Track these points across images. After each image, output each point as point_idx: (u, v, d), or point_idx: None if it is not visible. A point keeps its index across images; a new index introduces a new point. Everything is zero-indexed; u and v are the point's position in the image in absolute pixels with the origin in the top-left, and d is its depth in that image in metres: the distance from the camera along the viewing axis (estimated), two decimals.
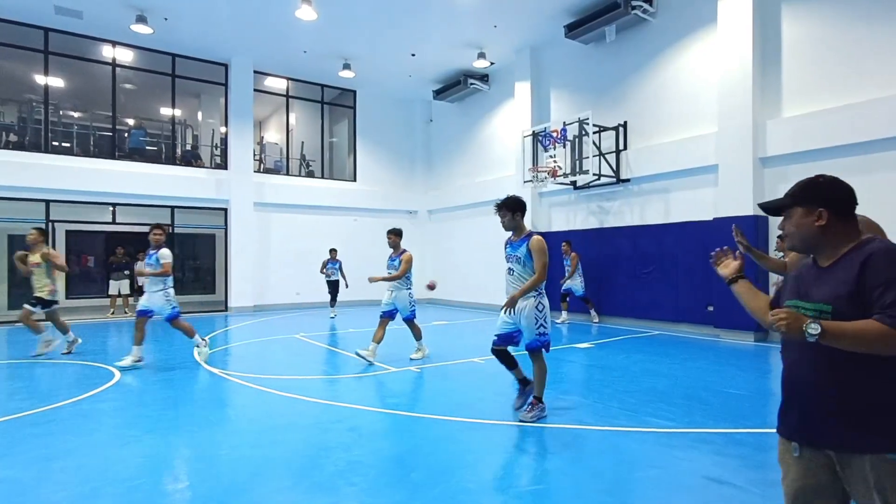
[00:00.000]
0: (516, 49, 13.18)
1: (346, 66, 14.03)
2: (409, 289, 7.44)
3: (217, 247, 15.50)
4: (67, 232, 14.96)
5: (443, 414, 4.76)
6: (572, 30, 11.12)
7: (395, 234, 7.86)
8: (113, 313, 13.30)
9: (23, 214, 11.94)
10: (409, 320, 7.35)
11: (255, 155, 14.77)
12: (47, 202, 12.06)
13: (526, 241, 4.52)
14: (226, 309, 14.11)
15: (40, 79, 12.38)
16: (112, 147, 13.23)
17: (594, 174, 10.71)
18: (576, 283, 11.13)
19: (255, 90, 14.45)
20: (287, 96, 15.55)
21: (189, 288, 15.55)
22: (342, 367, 7.06)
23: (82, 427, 4.47)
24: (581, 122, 10.77)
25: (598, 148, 11.04)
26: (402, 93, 16.58)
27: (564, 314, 11.40)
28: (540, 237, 4.57)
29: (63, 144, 13.13)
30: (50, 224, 12.23)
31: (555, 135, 10.99)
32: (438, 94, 15.62)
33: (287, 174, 15.70)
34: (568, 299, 11.37)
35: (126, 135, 14.07)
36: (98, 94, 13.39)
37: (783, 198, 1.77)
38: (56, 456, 3.78)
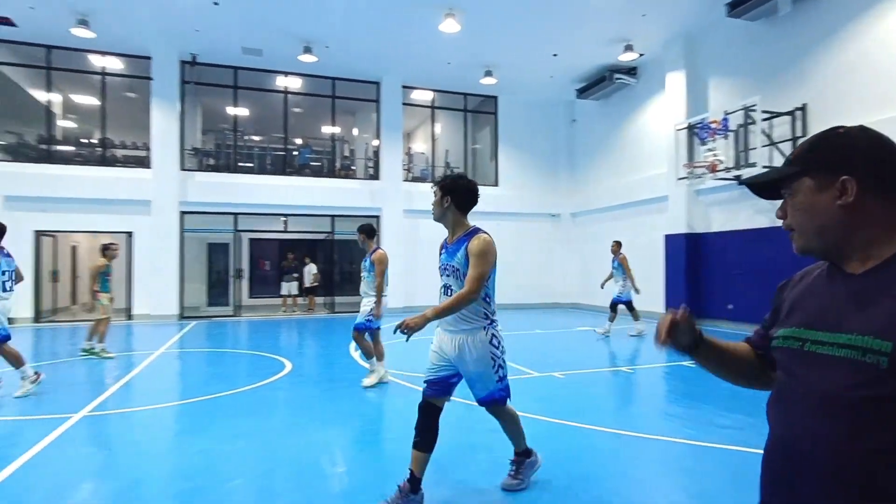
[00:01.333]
0: (668, 38, 12.23)
1: (488, 74, 14.26)
2: (375, 295, 6.12)
3: None
4: (251, 240, 17.32)
5: (588, 422, 4.54)
6: (735, 7, 9.99)
7: (363, 232, 6.36)
8: (284, 311, 15.07)
9: (218, 225, 14.09)
10: (359, 331, 6.07)
11: (403, 165, 15.70)
12: (235, 215, 14.08)
13: (465, 243, 3.04)
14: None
15: (231, 110, 14.55)
16: (283, 164, 15.03)
17: (763, 166, 9.47)
18: (627, 289, 9.71)
19: (403, 104, 15.37)
20: (432, 107, 16.27)
21: (345, 290, 16.99)
22: None
23: (260, 411, 5.09)
24: (746, 110, 9.60)
25: (769, 137, 9.74)
26: (543, 95, 16.37)
27: (608, 325, 9.86)
28: (486, 237, 3.03)
29: (247, 164, 15.25)
30: (237, 234, 14.28)
31: (714, 126, 9.94)
32: (582, 92, 15.13)
33: (433, 182, 16.41)
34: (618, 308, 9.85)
35: (295, 153, 15.89)
36: (272, 119, 15.33)
37: (783, 165, 1.13)
38: (240, 435, 4.34)
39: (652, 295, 12.98)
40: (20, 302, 12.12)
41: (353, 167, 16.71)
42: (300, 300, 15.57)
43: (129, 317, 12.96)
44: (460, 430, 4.44)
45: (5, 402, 5.34)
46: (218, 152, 15.12)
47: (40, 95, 13.33)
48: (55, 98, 13.77)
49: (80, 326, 12.09)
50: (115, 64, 13.29)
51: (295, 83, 14.86)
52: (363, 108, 16.36)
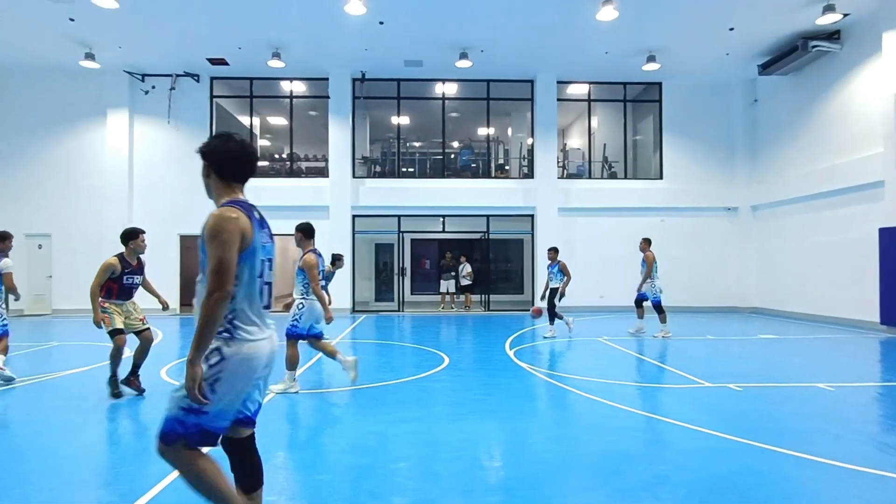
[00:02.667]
0: None
1: (651, 59, 13.30)
2: (304, 298, 5.85)
3: (525, 251, 16.75)
4: (412, 240, 18.46)
5: (768, 442, 3.96)
6: None
7: (300, 231, 6.03)
8: (443, 308, 15.77)
9: (383, 228, 15.29)
10: (289, 337, 5.81)
11: (558, 162, 15.40)
12: (399, 217, 15.13)
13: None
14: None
15: (394, 120, 15.69)
16: (442, 168, 15.74)
17: None
18: (653, 287, 9.80)
19: (558, 99, 15.07)
20: (589, 100, 15.69)
21: (500, 288, 17.23)
22: (647, 374, 6.64)
23: (423, 400, 5.39)
24: None
25: None
26: (716, 76, 14.76)
27: (639, 323, 10.21)
28: (221, 210, 2.17)
29: (409, 170, 16.29)
30: (400, 235, 15.33)
31: None
32: (766, 68, 13.29)
33: (589, 178, 15.80)
34: (644, 305, 10.12)
35: (453, 156, 16.54)
36: (432, 125, 16.15)
37: None
38: (406, 420, 4.65)
39: (863, 302, 10.94)
40: None
41: (507, 167, 16.86)
42: (457, 297, 16.17)
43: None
44: (615, 434, 4.19)
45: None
46: (384, 160, 16.40)
47: (245, 120, 15.80)
48: (255, 121, 16.19)
49: (274, 316, 14.06)
50: (299, 87, 15.20)
51: (452, 89, 15.47)
52: (517, 107, 16.43)
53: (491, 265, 16.48)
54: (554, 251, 10.03)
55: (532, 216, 15.18)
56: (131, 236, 5.63)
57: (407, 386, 6.00)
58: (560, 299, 9.82)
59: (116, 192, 14.20)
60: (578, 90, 15.67)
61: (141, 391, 5.57)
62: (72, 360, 7.69)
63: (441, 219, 15.49)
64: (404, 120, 16.14)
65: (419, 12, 11.07)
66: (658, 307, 9.83)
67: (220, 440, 2.24)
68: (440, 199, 14.82)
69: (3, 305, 6.14)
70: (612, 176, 15.99)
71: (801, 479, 3.38)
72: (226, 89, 15.14)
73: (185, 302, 14.76)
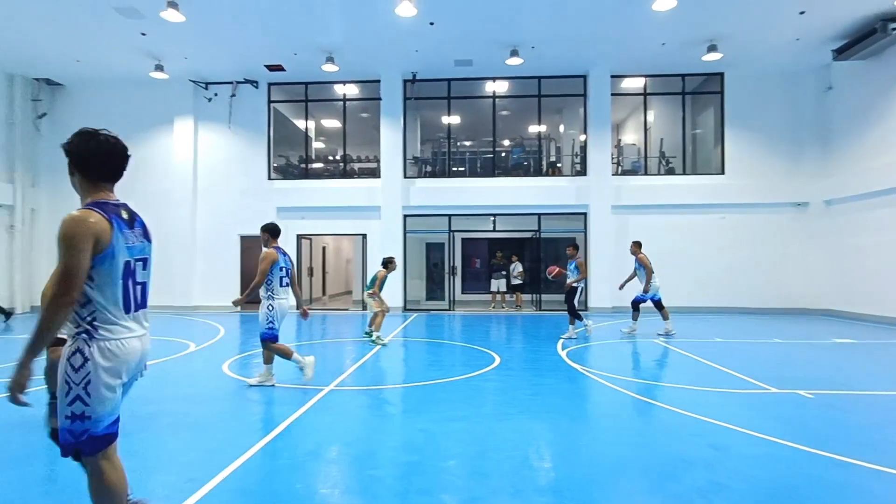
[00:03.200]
0: None
1: (712, 49, 12.70)
2: (271, 300, 5.76)
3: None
4: (463, 239, 18.49)
5: (840, 453, 3.69)
6: None
7: (266, 231, 5.89)
8: (493, 307, 15.70)
9: (434, 227, 15.39)
10: (265, 340, 5.74)
11: (612, 158, 14.99)
12: (449, 216, 15.18)
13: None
14: (585, 309, 14.76)
15: (444, 119, 15.75)
16: (493, 167, 15.66)
17: None
18: (655, 289, 9.88)
19: (612, 94, 14.67)
20: (644, 94, 15.19)
21: (551, 288, 16.94)
22: (706, 377, 6.35)
23: (473, 399, 5.38)
24: None
25: None
26: (784, 63, 13.91)
27: (634, 324, 10.14)
28: (72, 214, 2.13)
29: (459, 169, 16.32)
30: (451, 234, 15.38)
31: None
32: (840, 52, 12.42)
33: (645, 174, 15.29)
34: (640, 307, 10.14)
35: (503, 154, 16.43)
36: (482, 124, 16.10)
37: None
38: (455, 418, 4.66)
39: None
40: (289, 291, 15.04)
41: (559, 164, 16.58)
42: (508, 297, 16.06)
43: (364, 308, 14.99)
44: (674, 440, 4.03)
45: (279, 373, 6.66)
46: (434, 159, 16.50)
47: (300, 124, 16.31)
48: (310, 124, 16.69)
49: (330, 314, 14.44)
50: (352, 90, 15.53)
51: (502, 87, 15.36)
52: (569, 103, 16.12)
53: (542, 264, 16.23)
54: (573, 248, 10.08)
55: (584, 214, 14.85)
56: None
57: (457, 385, 6.01)
58: (576, 297, 9.82)
59: (182, 195, 15.01)
60: (633, 84, 15.19)
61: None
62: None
63: (491, 218, 15.43)
64: (454, 119, 16.18)
65: (469, 12, 11.06)
66: (658, 304, 10.00)
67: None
68: (491, 198, 14.76)
69: None
70: (670, 172, 15.40)
71: (879, 492, 3.13)
72: (282, 94, 15.68)
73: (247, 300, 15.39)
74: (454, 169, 16.00)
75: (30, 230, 14.87)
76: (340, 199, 14.89)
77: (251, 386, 5.83)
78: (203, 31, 11.87)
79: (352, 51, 13.12)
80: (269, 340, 5.74)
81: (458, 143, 17.20)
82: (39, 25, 11.54)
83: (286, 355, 5.79)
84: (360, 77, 15.00)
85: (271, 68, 14.24)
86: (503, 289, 15.88)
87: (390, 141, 14.85)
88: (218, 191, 15.22)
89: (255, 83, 15.00)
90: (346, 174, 15.75)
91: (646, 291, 9.93)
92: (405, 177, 15.06)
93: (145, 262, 2.43)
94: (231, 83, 14.97)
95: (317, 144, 18.27)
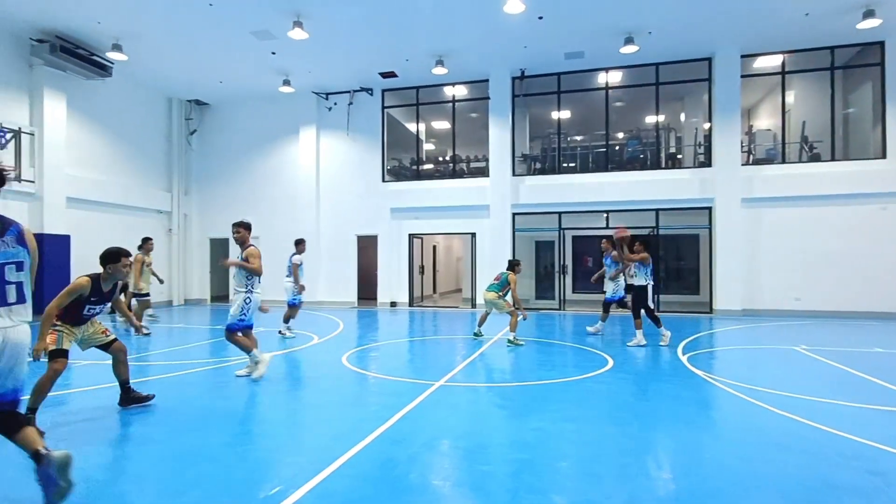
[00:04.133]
0: None
1: (869, 14, 11.04)
2: (249, 292, 6.02)
3: (701, 247, 15.19)
4: (574, 237, 17.93)
5: None
6: None
7: (242, 227, 6.26)
8: None
9: (543, 225, 15.11)
10: (231, 330, 5.94)
11: (742, 147, 13.65)
12: (559, 214, 14.81)
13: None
14: (710, 311, 13.60)
15: (554, 115, 15.40)
16: (605, 161, 15.01)
17: None
18: (617, 286, 9.69)
19: (742, 76, 13.36)
20: (783, 73, 13.62)
21: (671, 288, 15.84)
22: (862, 392, 5.52)
23: (585, 401, 5.19)
24: None
25: None
26: None
27: (600, 324, 9.98)
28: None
29: (570, 165, 15.85)
30: (561, 232, 15.00)
31: None
32: None
33: (783, 162, 13.71)
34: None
35: (617, 148, 15.68)
36: (594, 118, 15.49)
37: None
38: (566, 419, 4.53)
39: None
40: (401, 289, 15.66)
41: (679, 156, 15.46)
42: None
43: (474, 305, 15.15)
44: (821, 461, 3.54)
45: (393, 366, 6.94)
46: (544, 156, 16.20)
47: (412, 127, 16.88)
48: (421, 127, 17.21)
49: (440, 312, 14.79)
50: (461, 91, 15.76)
51: (615, 77, 14.66)
52: (691, 90, 14.95)
53: (661, 263, 15.24)
54: (608, 241, 9.72)
55: (709, 208, 13.69)
56: (111, 259, 4.48)
57: (569, 385, 5.84)
58: (649, 299, 8.75)
59: (306, 199, 16.26)
60: (768, 63, 13.69)
61: (150, 397, 5.02)
62: (270, 345, 8.98)
63: (604, 214, 14.80)
64: (565, 114, 15.75)
65: (580, 2, 10.69)
66: (621, 303, 9.72)
67: None
68: (603, 193, 14.17)
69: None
70: (814, 158, 13.64)
71: None
72: (395, 99, 16.35)
73: (363, 296, 16.31)
74: (564, 165, 15.59)
75: (183, 232, 17.01)
76: (450, 198, 15.19)
77: (238, 375, 6.08)
78: (324, 46, 12.75)
79: (461, 52, 13.31)
80: (235, 332, 5.97)
81: (569, 139, 16.73)
82: (191, 54, 13.17)
83: (247, 348, 5.98)
84: (468, 78, 15.17)
85: (385, 75, 14.91)
86: None
87: (499, 139, 14.84)
88: (337, 194, 16.26)
89: (370, 90, 15.81)
90: (456, 174, 16.02)
91: (615, 292, 9.75)
92: (514, 175, 14.97)
93: (20, 264, 2.80)
94: (348, 92, 15.92)
95: (427, 146, 18.81)
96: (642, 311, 8.63)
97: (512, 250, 14.70)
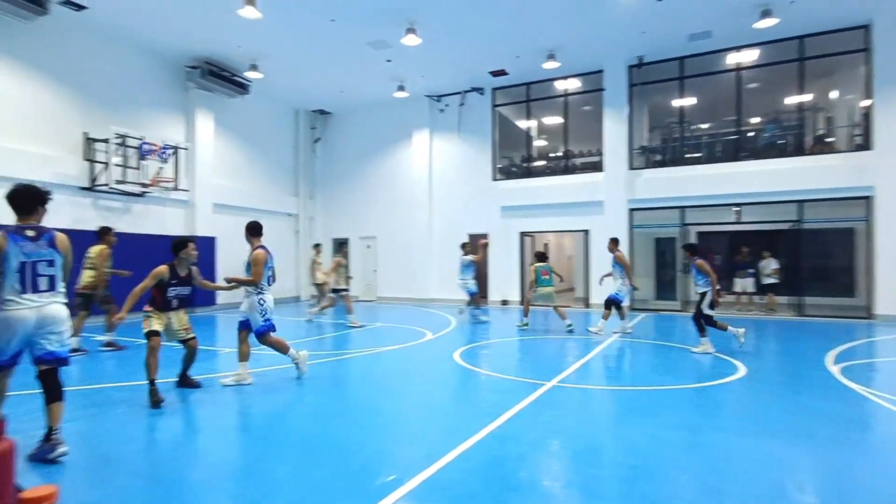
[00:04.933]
0: None
1: None
2: (260, 293, 5.72)
3: (857, 242, 13.27)
4: (698, 233, 16.57)
5: None
6: None
7: (246, 229, 6.29)
8: (738, 309, 13.69)
9: (664, 220, 14.15)
10: (261, 334, 5.72)
11: None
12: (682, 208, 13.78)
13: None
14: (868, 316, 11.82)
15: (676, 103, 14.35)
16: (735, 149, 13.67)
17: None
18: (625, 289, 9.50)
19: None
20: None
21: (819, 289, 14.00)
22: None
23: (708, 410, 4.80)
24: None
25: None
26: None
27: (602, 323, 9.42)
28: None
29: (694, 156, 14.67)
30: (684, 228, 13.94)
31: None
32: None
33: None
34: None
35: (750, 134, 14.22)
36: (722, 103, 14.18)
37: None
38: (685, 427, 4.20)
39: None
40: (512, 287, 15.58)
41: (829, 139, 13.63)
42: (756, 298, 13.85)
43: (588, 305, 14.64)
44: None
45: (504, 365, 6.93)
46: (664, 147, 15.18)
47: (522, 124, 16.72)
48: (532, 124, 16.98)
49: (552, 310, 14.49)
50: (573, 84, 15.29)
51: (749, 56, 13.30)
52: (843, 63, 13.10)
53: (805, 261, 13.52)
54: (613, 242, 9.70)
55: (867, 198, 11.90)
56: (179, 247, 5.39)
57: (689, 392, 5.42)
58: (712, 308, 7.66)
59: (420, 199, 16.81)
60: None
61: (197, 385, 5.58)
62: (393, 337, 9.41)
63: (735, 208, 13.49)
64: (689, 101, 14.60)
65: None
66: (618, 305, 9.44)
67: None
68: (734, 185, 12.92)
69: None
70: None
71: None
72: (505, 97, 16.31)
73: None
74: (688, 156, 14.46)
75: (309, 234, 18.44)
76: (562, 195, 14.82)
77: (226, 386, 5.61)
78: (436, 50, 13.09)
79: (573, 45, 12.92)
80: (266, 333, 5.73)
81: (693, 127, 15.49)
82: (315, 68, 14.25)
83: (283, 349, 5.83)
84: (581, 70, 14.69)
85: (495, 74, 14.93)
86: (750, 289, 13.73)
87: (614, 132, 14.18)
88: (449, 194, 16.61)
89: (480, 90, 15.93)
90: (568, 170, 15.58)
91: (619, 291, 9.45)
92: (631, 168, 14.21)
93: (50, 262, 3.65)
94: (459, 93, 16.18)
95: (538, 143, 18.51)
96: (702, 319, 7.67)
97: (629, 248, 13.98)
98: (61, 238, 3.81)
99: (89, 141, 11.56)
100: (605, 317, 9.51)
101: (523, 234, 15.75)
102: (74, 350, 7.06)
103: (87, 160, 11.51)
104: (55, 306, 3.64)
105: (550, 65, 13.55)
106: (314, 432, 4.21)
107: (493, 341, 9.00)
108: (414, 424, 4.53)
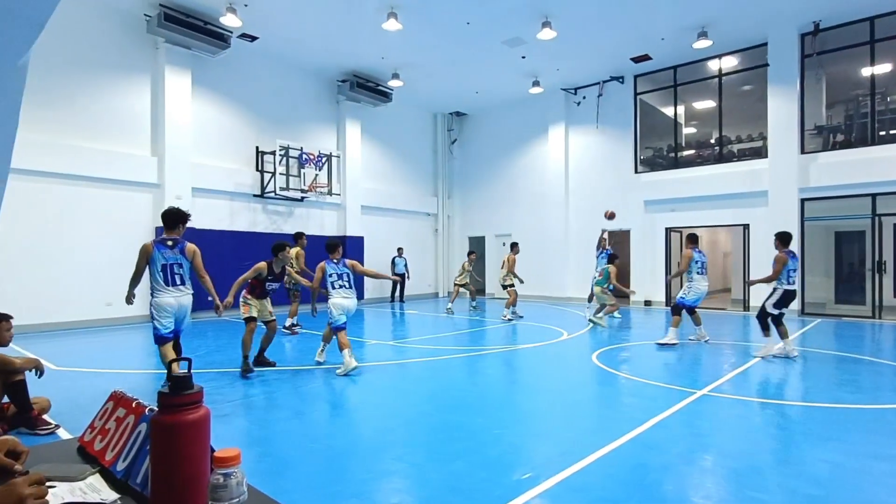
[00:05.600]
0: None
1: None
2: (331, 298, 6.40)
3: None
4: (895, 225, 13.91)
5: None
6: None
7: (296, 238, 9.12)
8: None
9: (847, 211, 12.10)
10: (336, 329, 6.31)
11: None
12: (873, 196, 11.67)
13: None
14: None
15: (865, 71, 12.19)
16: None
17: None
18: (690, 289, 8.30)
19: None
20: None
21: None
22: None
23: None
24: None
25: None
26: None
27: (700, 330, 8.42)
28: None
29: (890, 133, 12.32)
30: (875, 219, 11.78)
31: None
32: None
33: None
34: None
35: None
36: None
37: None
38: (880, 457, 3.53)
39: None
40: (657, 287, 14.52)
41: None
42: None
43: (746, 308, 13.09)
44: None
45: (646, 369, 6.47)
46: (849, 125, 12.99)
47: (668, 111, 15.49)
48: (680, 110, 15.64)
49: (703, 313, 13.22)
50: (729, 63, 13.76)
51: None
52: None
53: None
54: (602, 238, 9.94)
55: None
56: (278, 249, 6.46)
57: (883, 414, 4.56)
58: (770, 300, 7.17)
59: (556, 196, 16.43)
60: None
61: (272, 364, 6.49)
62: (529, 336, 9.34)
63: None
64: (881, 68, 12.27)
65: None
66: (682, 309, 8.29)
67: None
68: None
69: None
70: None
71: None
72: (649, 84, 15.25)
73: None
74: (882, 134, 12.18)
75: (447, 232, 19.05)
76: (715, 186, 13.45)
77: (340, 375, 6.02)
78: (572, 41, 12.68)
79: (729, 17, 11.63)
80: (339, 330, 6.28)
81: (890, 100, 13.01)
82: (452, 71, 14.65)
83: (342, 346, 6.15)
84: (738, 46, 13.18)
85: (637, 60, 14.04)
86: None
87: (781, 111, 12.48)
88: (587, 189, 16.00)
89: (620, 79, 15.10)
90: (723, 158, 14.08)
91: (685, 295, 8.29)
92: (802, 152, 12.40)
93: (180, 265, 5.20)
94: (597, 84, 15.50)
95: (687, 130, 17.01)
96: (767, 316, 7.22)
97: (800, 244, 12.23)
98: (189, 247, 5.30)
99: (260, 154, 13.24)
100: (675, 324, 8.23)
101: (669, 230, 14.60)
102: (293, 325, 9.30)
103: (258, 171, 13.18)
104: (188, 297, 5.25)
105: (702, 44, 12.36)
106: (456, 422, 4.33)
107: (634, 344, 8.47)
108: (550, 423, 4.43)
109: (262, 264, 6.29)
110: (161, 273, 5.05)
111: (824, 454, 3.60)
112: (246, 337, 6.07)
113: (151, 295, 5.12)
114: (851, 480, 3.18)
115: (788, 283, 7.11)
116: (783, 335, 7.05)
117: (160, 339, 5.15)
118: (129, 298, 5.24)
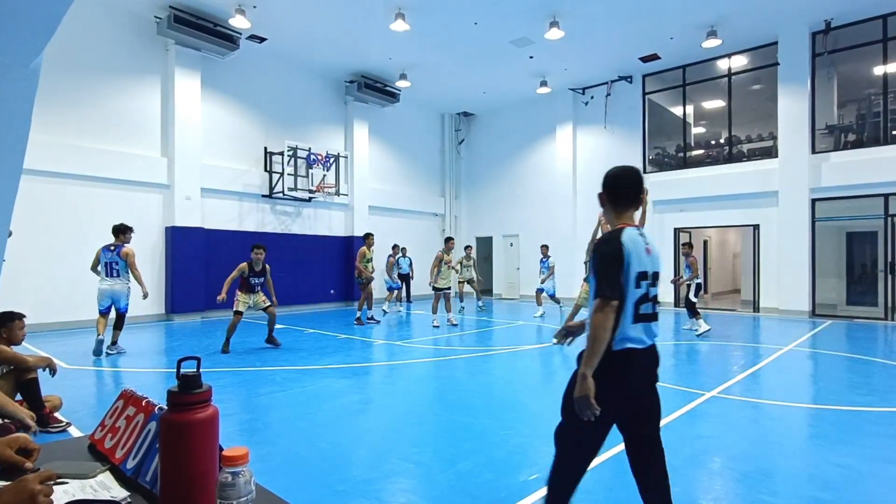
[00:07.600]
0: None
1: None
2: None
3: None
4: None
5: None
6: None
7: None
8: None
9: (858, 212, 11.97)
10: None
11: None
12: (885, 196, 11.54)
13: None
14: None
15: (878, 70, 12.05)
16: None
17: None
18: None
19: None
20: None
21: None
22: None
23: None
24: None
25: None
26: None
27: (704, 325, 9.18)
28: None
29: None
30: (888, 219, 11.64)
31: None
32: None
33: None
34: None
35: None
36: None
37: None
38: (886, 459, 3.49)
39: None
40: (664, 289, 14.43)
41: None
42: None
43: (756, 309, 12.98)
44: None
45: (666, 372, 6.44)
46: (860, 124, 12.85)
47: (677, 111, 15.39)
48: (688, 110, 15.55)
49: (714, 315, 13.14)
50: (739, 62, 13.66)
51: None
52: None
53: None
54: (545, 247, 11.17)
55: None
56: (254, 249, 7.66)
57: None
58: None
59: (563, 196, 16.38)
60: None
61: (278, 345, 7.73)
62: (535, 336, 9.31)
63: None
64: (895, 66, 12.13)
65: None
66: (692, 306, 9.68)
67: None
68: None
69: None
70: None
71: None
72: (657, 84, 15.16)
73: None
74: (894, 133, 12.04)
75: (455, 232, 19.03)
76: (725, 186, 13.35)
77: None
78: (580, 41, 12.64)
79: (739, 16, 11.55)
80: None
81: None
82: (460, 72, 14.65)
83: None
84: (748, 45, 13.08)
85: (646, 59, 13.97)
86: None
87: (791, 111, 12.38)
88: (595, 189, 15.84)
89: (629, 78, 15.03)
90: (732, 158, 13.97)
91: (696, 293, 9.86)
92: (813, 152, 12.28)
93: (117, 262, 7.15)
94: (605, 83, 15.44)
95: (696, 130, 16.90)
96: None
97: (811, 244, 12.11)
98: (125, 251, 7.07)
99: (268, 155, 13.30)
100: (698, 315, 9.56)
101: (678, 230, 14.51)
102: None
103: (267, 171, 13.24)
104: (119, 286, 7.08)
105: (711, 43, 12.28)
106: (461, 423, 4.32)
107: None
108: (555, 424, 4.41)
109: (244, 265, 7.52)
110: (104, 268, 7.02)
111: (836, 458, 3.56)
112: (230, 325, 7.45)
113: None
114: (863, 484, 3.14)
115: (698, 278, 9.85)
116: (698, 316, 9.44)
117: (99, 313, 7.09)
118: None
